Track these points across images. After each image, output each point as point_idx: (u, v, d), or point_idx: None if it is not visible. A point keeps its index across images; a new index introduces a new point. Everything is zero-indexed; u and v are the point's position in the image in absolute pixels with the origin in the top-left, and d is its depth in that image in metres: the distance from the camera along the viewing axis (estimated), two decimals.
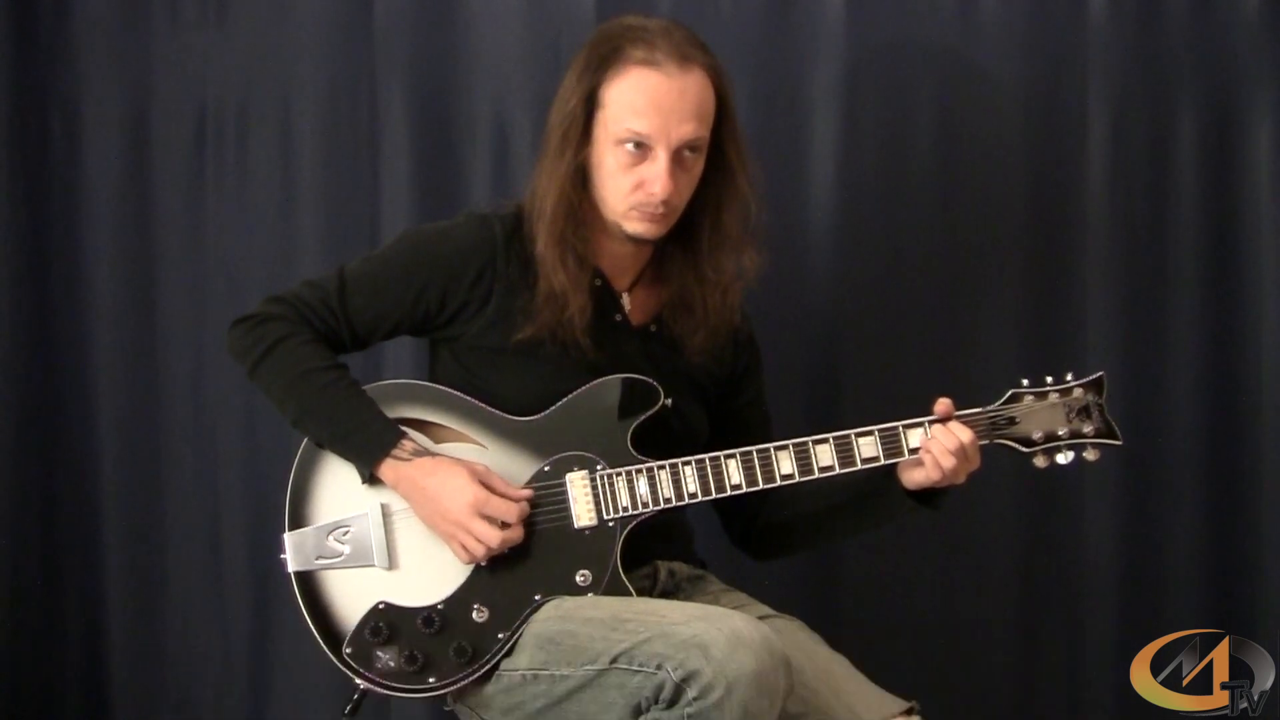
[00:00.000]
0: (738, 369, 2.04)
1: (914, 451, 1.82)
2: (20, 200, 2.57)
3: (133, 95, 2.57)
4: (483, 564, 1.83)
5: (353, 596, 1.86)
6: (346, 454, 1.86)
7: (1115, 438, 1.84)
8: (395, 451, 1.82)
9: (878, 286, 2.49)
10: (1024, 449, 1.84)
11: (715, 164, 1.89)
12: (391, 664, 1.82)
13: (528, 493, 1.85)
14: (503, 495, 1.81)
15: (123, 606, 2.60)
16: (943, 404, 1.83)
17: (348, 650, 1.83)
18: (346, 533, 1.88)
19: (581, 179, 1.86)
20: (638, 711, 1.65)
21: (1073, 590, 2.50)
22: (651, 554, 1.93)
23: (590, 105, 1.83)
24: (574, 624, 1.76)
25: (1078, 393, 1.84)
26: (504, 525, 1.80)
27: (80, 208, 2.58)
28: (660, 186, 1.81)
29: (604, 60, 1.83)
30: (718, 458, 1.84)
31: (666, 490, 1.85)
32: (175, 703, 2.62)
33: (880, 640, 2.37)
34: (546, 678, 1.75)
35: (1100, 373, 1.86)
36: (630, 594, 1.83)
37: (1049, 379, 1.85)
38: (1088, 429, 1.83)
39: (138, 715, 2.61)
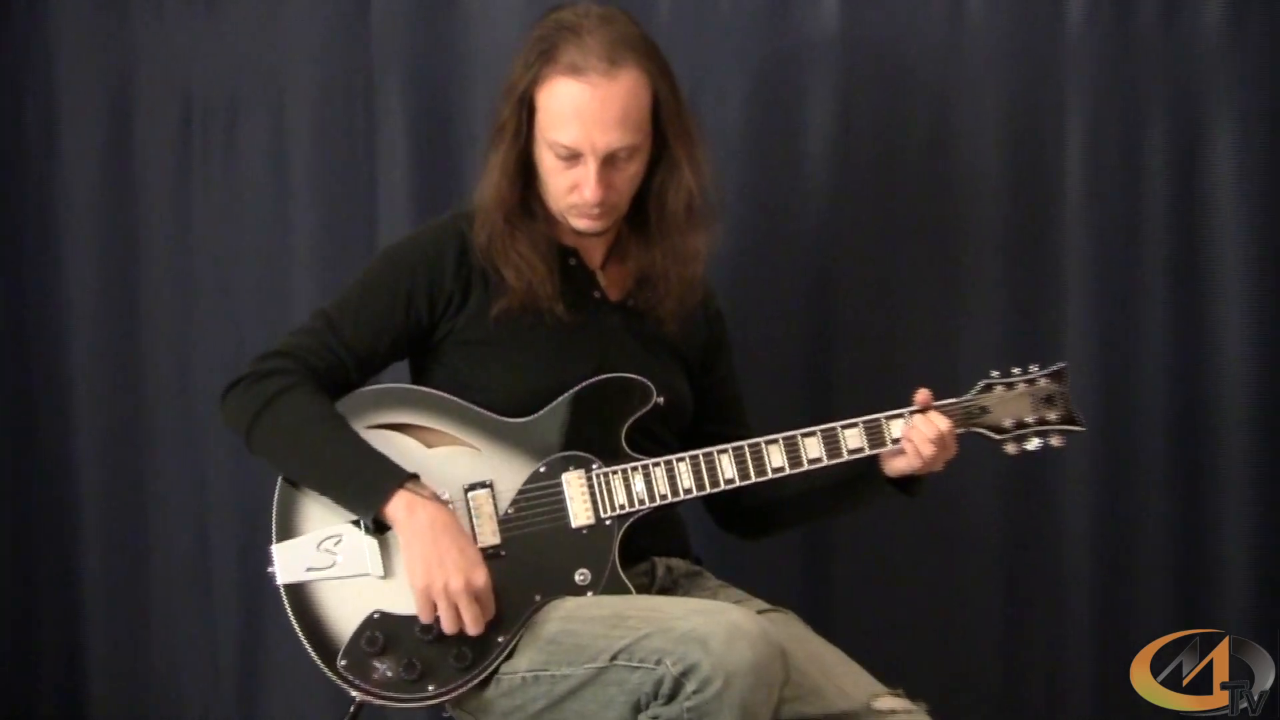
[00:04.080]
0: (711, 341, 2.09)
1: (896, 441, 1.89)
2: None
3: (113, 83, 2.46)
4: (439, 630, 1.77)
5: (346, 607, 1.81)
6: (346, 499, 1.81)
7: (1078, 424, 1.94)
8: (408, 485, 1.77)
9: (867, 282, 2.55)
10: (996, 436, 1.92)
11: (659, 154, 1.93)
12: (389, 674, 1.77)
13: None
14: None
15: (103, 621, 2.47)
16: (922, 394, 1.91)
17: (343, 663, 1.77)
18: (338, 541, 1.83)
19: (524, 170, 1.90)
20: (638, 709, 1.65)
21: (1052, 581, 2.58)
22: (648, 551, 1.94)
23: (525, 106, 1.87)
24: (574, 623, 1.75)
25: (1043, 382, 1.93)
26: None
27: (57, 202, 2.46)
28: (590, 192, 1.85)
29: (537, 59, 1.85)
30: (710, 453, 1.88)
31: (662, 487, 1.88)
32: None
33: (871, 632, 2.43)
34: (547, 678, 1.74)
35: (1063, 364, 1.95)
36: (630, 591, 1.85)
37: (1015, 370, 1.93)
38: (1053, 416, 1.92)
39: None
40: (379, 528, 1.80)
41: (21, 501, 2.44)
